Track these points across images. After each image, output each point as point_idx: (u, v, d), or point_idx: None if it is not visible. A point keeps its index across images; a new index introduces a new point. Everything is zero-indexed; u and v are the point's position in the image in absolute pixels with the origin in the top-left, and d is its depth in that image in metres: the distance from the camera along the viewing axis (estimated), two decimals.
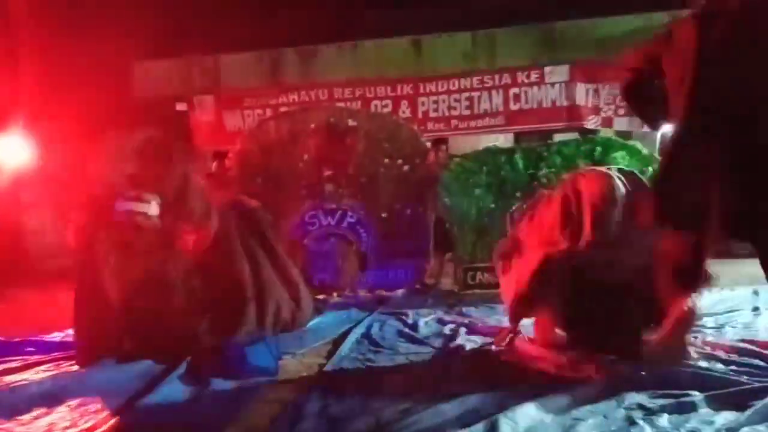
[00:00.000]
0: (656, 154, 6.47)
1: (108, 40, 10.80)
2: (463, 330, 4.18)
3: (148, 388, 3.04)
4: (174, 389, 3.04)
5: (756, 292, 5.17)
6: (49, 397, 3.00)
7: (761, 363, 3.08)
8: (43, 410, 2.85)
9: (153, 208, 3.82)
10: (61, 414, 2.81)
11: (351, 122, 6.50)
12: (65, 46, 10.87)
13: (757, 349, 3.30)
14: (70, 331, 4.71)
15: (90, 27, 11.15)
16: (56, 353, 3.98)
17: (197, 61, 10.41)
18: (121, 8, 11.00)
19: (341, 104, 9.38)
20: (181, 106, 10.39)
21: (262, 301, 4.17)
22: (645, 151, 6.23)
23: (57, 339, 4.48)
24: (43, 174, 10.11)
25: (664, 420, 2.39)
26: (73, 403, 2.93)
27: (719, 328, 4.02)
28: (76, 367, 3.62)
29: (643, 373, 2.93)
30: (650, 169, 5.92)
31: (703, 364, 3.11)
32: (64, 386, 3.17)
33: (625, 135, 8.69)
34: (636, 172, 3.73)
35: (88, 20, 11.35)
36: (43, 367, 3.67)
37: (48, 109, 9.82)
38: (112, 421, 2.65)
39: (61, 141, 9.84)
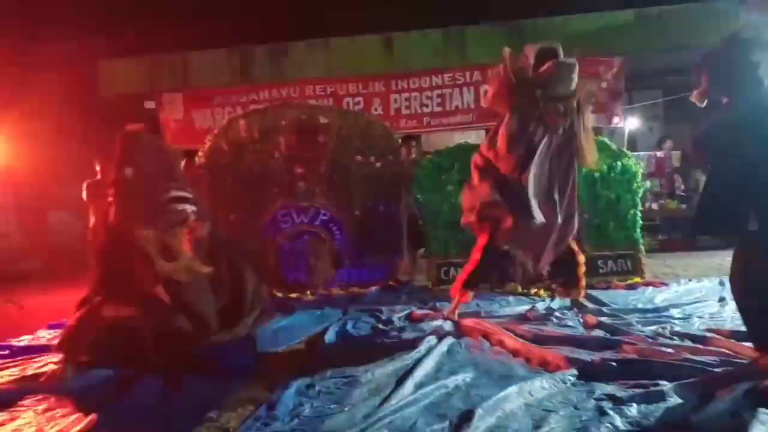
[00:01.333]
0: (624, 149, 6.57)
1: (74, 38, 10.62)
2: (435, 323, 4.20)
3: (119, 391, 2.98)
4: (147, 389, 2.99)
5: (722, 283, 5.27)
6: (14, 402, 2.93)
7: (727, 352, 3.14)
8: (7, 416, 2.78)
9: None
10: (27, 420, 2.74)
11: (323, 119, 6.47)
12: (29, 45, 10.65)
13: (723, 339, 3.38)
14: (43, 333, 4.65)
15: (56, 25, 10.95)
16: (24, 356, 3.88)
17: (165, 58, 10.25)
18: (88, 6, 10.83)
19: (313, 101, 9.34)
20: (149, 104, 10.25)
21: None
22: (614, 146, 6.31)
23: (23, 343, 4.37)
24: (7, 176, 9.89)
25: (633, 410, 2.43)
26: (40, 407, 2.86)
27: (686, 318, 4.09)
28: (44, 370, 3.53)
29: (614, 363, 2.98)
30: (618, 163, 6.02)
31: (672, 354, 3.16)
32: (31, 391, 3.09)
33: (595, 131, 8.82)
34: None
35: (53, 18, 11.15)
36: (8, 372, 3.57)
37: (12, 110, 9.60)
38: (81, 425, 2.59)
39: (27, 142, 9.65)
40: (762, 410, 2.26)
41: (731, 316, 4.03)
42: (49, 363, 3.69)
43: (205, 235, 4.03)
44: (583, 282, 4.63)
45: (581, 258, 4.59)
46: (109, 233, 3.77)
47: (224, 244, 4.33)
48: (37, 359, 3.81)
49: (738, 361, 2.99)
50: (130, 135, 3.77)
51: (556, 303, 4.95)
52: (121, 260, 3.59)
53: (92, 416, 2.67)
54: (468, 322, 4.12)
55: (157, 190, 3.69)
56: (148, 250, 3.54)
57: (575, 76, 4.28)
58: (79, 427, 2.58)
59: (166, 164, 3.88)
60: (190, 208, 3.80)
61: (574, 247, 4.58)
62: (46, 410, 2.83)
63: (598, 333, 3.79)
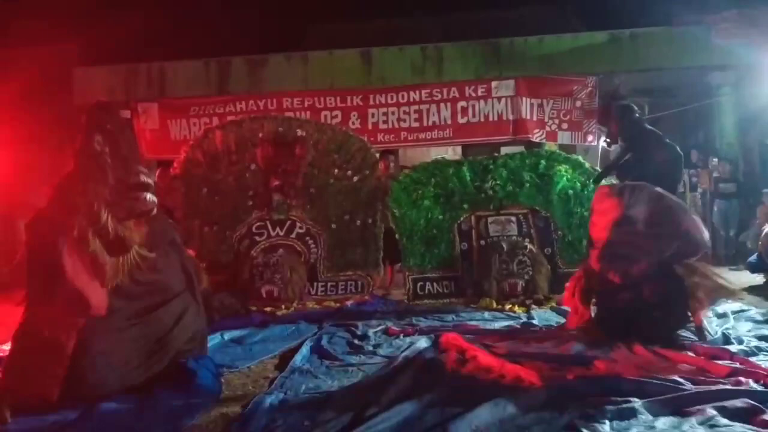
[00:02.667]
0: (598, 167, 6.68)
1: (49, 46, 10.48)
2: (411, 339, 4.20)
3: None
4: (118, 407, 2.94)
5: None
6: None
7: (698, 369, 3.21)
8: None
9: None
10: None
11: (300, 132, 6.46)
12: (1, 52, 10.48)
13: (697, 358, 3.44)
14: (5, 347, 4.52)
15: (30, 32, 10.80)
16: None
17: (142, 67, 10.16)
18: (64, 14, 10.70)
19: (290, 114, 9.32)
20: (124, 114, 10.11)
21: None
22: (587, 164, 6.42)
23: None
24: None
25: (606, 427, 2.45)
26: None
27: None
28: None
29: (585, 380, 3.01)
30: (591, 182, 6.11)
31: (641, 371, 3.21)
32: None
33: (569, 148, 8.96)
34: None
35: (27, 25, 10.99)
36: None
37: None
38: None
39: None
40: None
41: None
42: None
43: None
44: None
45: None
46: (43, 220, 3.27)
47: (162, 231, 3.69)
48: None
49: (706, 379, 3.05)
50: (101, 106, 3.46)
51: (536, 318, 5.00)
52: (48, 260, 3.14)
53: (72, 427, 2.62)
54: (445, 337, 4.12)
55: (127, 171, 3.27)
56: (91, 246, 3.12)
57: None
58: None
59: (135, 145, 3.54)
60: (153, 199, 3.40)
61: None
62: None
63: (578, 349, 3.79)
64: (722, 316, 4.63)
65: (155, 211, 3.46)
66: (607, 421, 2.50)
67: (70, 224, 3.11)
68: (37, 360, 3.04)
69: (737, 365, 3.21)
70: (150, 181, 3.41)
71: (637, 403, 2.64)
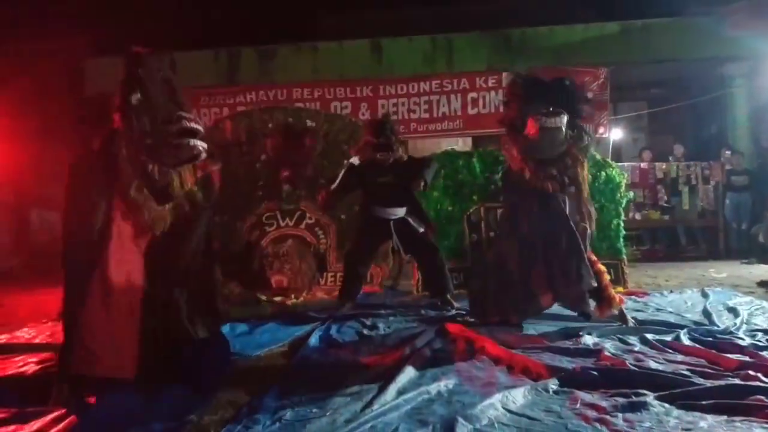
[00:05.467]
0: (609, 160, 6.64)
1: (59, 37, 10.52)
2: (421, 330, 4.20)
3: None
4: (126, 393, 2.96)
5: (705, 294, 5.34)
6: None
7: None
8: None
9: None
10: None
11: (309, 123, 6.46)
12: (11, 44, 10.52)
13: (706, 350, 3.42)
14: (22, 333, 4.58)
15: (40, 23, 10.85)
16: (2, 356, 3.83)
17: None
18: (74, 4, 10.73)
19: (300, 105, 9.32)
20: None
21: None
22: (598, 156, 6.37)
23: (2, 342, 4.31)
24: None
25: (619, 419, 2.44)
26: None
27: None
28: (23, 370, 3.48)
29: (594, 372, 3.00)
30: (603, 174, 6.08)
31: (653, 364, 3.19)
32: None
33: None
34: None
35: (37, 16, 11.04)
36: None
37: None
38: (60, 426, 2.57)
39: (9, 141, 9.54)
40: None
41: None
42: (29, 362, 3.64)
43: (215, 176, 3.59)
44: (611, 292, 4.36)
45: (602, 267, 4.41)
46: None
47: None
48: (16, 358, 3.76)
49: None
50: (137, 56, 3.28)
51: None
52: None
53: (71, 418, 2.64)
54: (453, 328, 4.12)
55: (167, 120, 3.17)
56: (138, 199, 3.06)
57: (562, 136, 4.24)
58: (58, 427, 2.55)
59: (175, 91, 3.35)
60: (201, 144, 3.29)
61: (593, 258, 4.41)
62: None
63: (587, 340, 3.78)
64: (732, 309, 4.61)
65: (204, 155, 3.35)
66: (619, 414, 2.49)
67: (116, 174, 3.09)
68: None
69: (747, 359, 3.19)
70: (196, 126, 3.27)
71: (648, 396, 2.63)
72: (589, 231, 4.32)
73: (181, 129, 3.18)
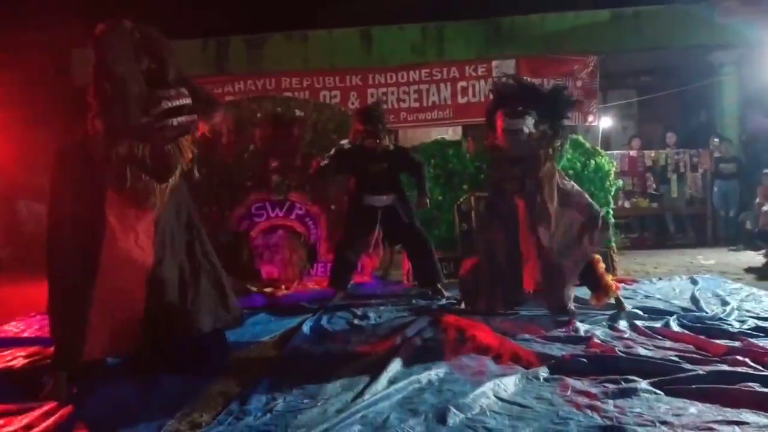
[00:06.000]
0: (598, 148, 6.66)
1: (47, 26, 10.39)
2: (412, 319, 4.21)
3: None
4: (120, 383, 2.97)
5: (694, 281, 5.38)
6: None
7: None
8: None
9: None
10: None
11: (298, 112, 6.41)
12: (1, 30, 10.39)
13: (695, 336, 3.44)
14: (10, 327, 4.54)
15: (29, 12, 10.70)
16: None
17: None
18: None
19: (289, 94, 9.26)
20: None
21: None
22: (588, 144, 6.39)
23: None
24: None
25: (609, 405, 2.45)
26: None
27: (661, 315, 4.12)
28: (12, 364, 3.45)
29: (584, 359, 3.02)
30: (592, 162, 6.10)
31: (642, 350, 3.22)
32: None
33: (570, 129, 8.92)
34: None
35: (25, 5, 10.90)
36: None
37: None
38: (55, 416, 2.56)
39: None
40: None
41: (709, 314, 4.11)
42: (17, 356, 3.62)
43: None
44: (608, 280, 4.40)
45: (597, 256, 4.46)
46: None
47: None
48: (4, 353, 3.73)
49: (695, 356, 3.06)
50: (103, 35, 3.02)
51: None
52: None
53: (67, 407, 2.63)
54: (446, 317, 4.13)
55: (147, 101, 3.00)
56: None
57: (524, 138, 4.20)
58: (53, 418, 2.54)
59: (157, 63, 3.15)
60: (188, 118, 3.15)
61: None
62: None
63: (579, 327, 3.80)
64: (720, 296, 4.65)
65: (194, 127, 3.26)
66: (609, 400, 2.50)
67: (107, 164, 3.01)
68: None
69: (735, 344, 3.21)
70: (179, 102, 3.11)
71: (639, 383, 2.65)
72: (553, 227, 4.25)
73: (161, 112, 3.05)
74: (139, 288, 3.06)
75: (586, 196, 4.50)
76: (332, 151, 5.25)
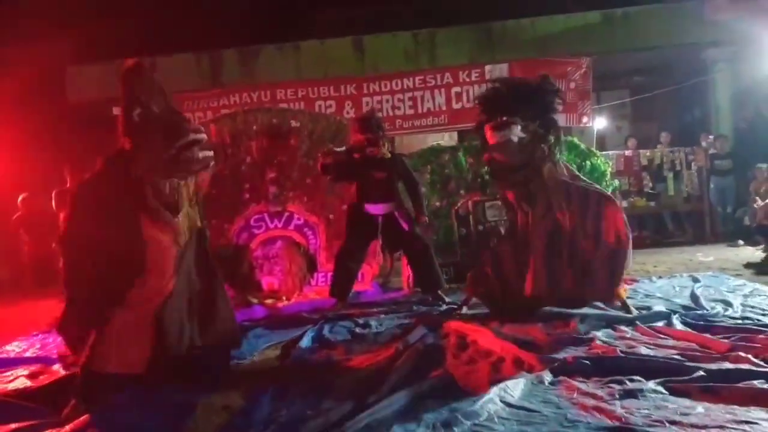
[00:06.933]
0: (593, 149, 6.68)
1: (41, 44, 10.41)
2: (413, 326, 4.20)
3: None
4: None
5: (695, 279, 5.38)
6: None
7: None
8: None
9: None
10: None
11: (294, 123, 6.43)
12: None
13: (698, 334, 3.44)
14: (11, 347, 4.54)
15: (22, 30, 10.73)
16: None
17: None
18: (55, 11, 10.61)
19: (284, 105, 9.29)
20: (117, 110, 10.04)
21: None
22: (583, 146, 6.41)
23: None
24: None
25: (617, 406, 2.44)
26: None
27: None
28: (13, 385, 3.44)
29: (587, 361, 3.01)
30: (587, 163, 6.12)
31: (645, 350, 3.21)
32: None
33: (564, 130, 8.95)
34: None
35: (19, 24, 10.92)
36: None
37: None
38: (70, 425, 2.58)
39: None
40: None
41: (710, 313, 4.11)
42: (19, 376, 3.60)
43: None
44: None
45: None
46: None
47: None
48: (6, 373, 3.72)
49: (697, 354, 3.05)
50: (132, 69, 3.27)
51: None
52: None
53: (84, 417, 2.66)
54: (449, 323, 4.12)
55: (174, 132, 3.19)
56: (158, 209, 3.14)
57: (514, 147, 4.18)
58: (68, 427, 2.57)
59: (168, 98, 3.38)
60: (209, 153, 3.33)
61: None
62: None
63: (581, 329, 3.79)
64: (721, 293, 4.65)
65: (212, 164, 3.46)
66: (616, 402, 2.49)
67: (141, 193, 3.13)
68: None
69: (737, 341, 3.21)
70: (200, 136, 3.31)
71: (645, 383, 2.64)
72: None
73: (190, 141, 3.21)
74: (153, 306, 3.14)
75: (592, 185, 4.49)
76: (333, 151, 5.26)
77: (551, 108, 4.39)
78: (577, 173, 4.45)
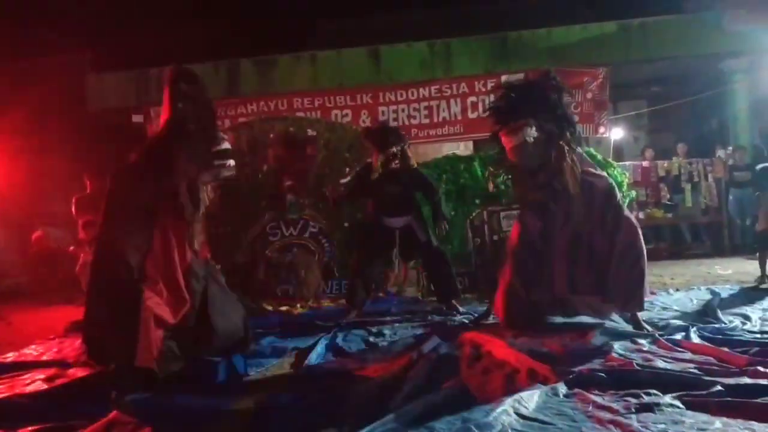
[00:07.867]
0: (610, 159, 6.64)
1: (61, 53, 10.59)
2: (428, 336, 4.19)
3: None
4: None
5: (712, 292, 5.32)
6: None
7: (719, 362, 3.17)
8: None
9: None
10: None
11: (311, 132, 6.49)
12: (14, 60, 10.59)
13: (716, 348, 3.40)
14: (30, 350, 4.60)
15: (43, 40, 10.92)
16: (10, 373, 3.83)
17: (153, 72, 10.23)
18: (75, 20, 10.79)
19: (301, 114, 9.34)
20: (137, 118, 10.20)
21: None
22: (599, 156, 6.38)
23: (9, 360, 4.32)
24: None
25: (633, 420, 2.41)
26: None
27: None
28: (30, 388, 3.48)
29: (603, 374, 2.98)
30: (605, 173, 6.07)
31: (662, 363, 3.18)
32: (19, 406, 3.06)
33: (580, 141, 8.91)
34: None
35: (40, 33, 11.12)
36: None
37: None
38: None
39: (13, 157, 9.58)
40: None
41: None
42: (36, 380, 3.65)
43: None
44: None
45: None
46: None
47: None
48: (23, 376, 3.76)
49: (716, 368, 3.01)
50: (178, 73, 3.53)
51: None
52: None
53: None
54: (467, 334, 4.10)
55: (212, 137, 3.41)
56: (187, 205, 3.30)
57: (529, 149, 4.16)
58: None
59: (213, 111, 3.62)
60: (233, 163, 3.57)
61: None
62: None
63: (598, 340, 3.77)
64: (741, 306, 4.59)
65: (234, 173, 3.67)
66: (632, 415, 2.46)
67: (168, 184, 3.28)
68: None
69: (757, 356, 3.16)
70: (228, 146, 3.52)
71: (661, 397, 2.61)
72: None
73: (223, 150, 3.41)
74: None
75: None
76: (353, 177, 5.30)
77: (559, 104, 4.33)
78: (590, 161, 4.44)
